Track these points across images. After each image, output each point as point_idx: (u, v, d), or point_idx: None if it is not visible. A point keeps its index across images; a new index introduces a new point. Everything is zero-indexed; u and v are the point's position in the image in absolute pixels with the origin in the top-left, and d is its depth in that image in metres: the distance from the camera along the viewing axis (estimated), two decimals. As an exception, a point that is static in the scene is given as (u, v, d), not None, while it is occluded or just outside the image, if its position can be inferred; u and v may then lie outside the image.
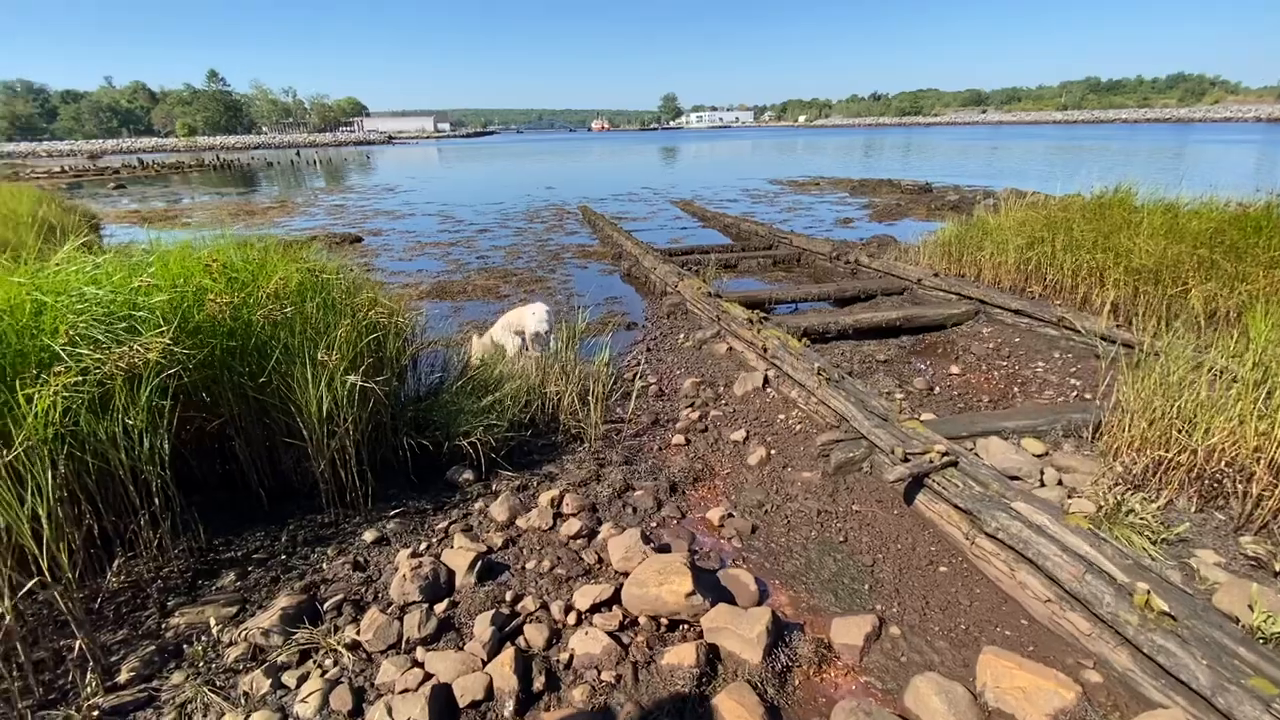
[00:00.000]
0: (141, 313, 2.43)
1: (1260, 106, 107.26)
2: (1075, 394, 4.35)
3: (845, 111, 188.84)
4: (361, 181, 28.43)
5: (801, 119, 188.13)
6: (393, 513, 2.99)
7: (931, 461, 2.77)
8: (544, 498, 3.07)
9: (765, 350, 4.62)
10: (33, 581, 1.88)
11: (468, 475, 3.29)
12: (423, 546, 2.73)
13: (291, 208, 18.98)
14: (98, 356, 2.22)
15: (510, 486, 3.23)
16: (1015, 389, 4.58)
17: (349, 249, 11.83)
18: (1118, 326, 4.74)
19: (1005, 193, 12.04)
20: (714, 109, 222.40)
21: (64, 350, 2.17)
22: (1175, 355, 2.86)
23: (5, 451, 1.91)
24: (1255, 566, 2.35)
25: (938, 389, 4.63)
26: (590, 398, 3.78)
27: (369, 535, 2.81)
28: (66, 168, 40.39)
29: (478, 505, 3.08)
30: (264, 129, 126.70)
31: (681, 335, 5.95)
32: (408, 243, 12.25)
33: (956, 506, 2.64)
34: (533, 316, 4.69)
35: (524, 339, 4.77)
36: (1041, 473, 2.96)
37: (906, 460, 2.88)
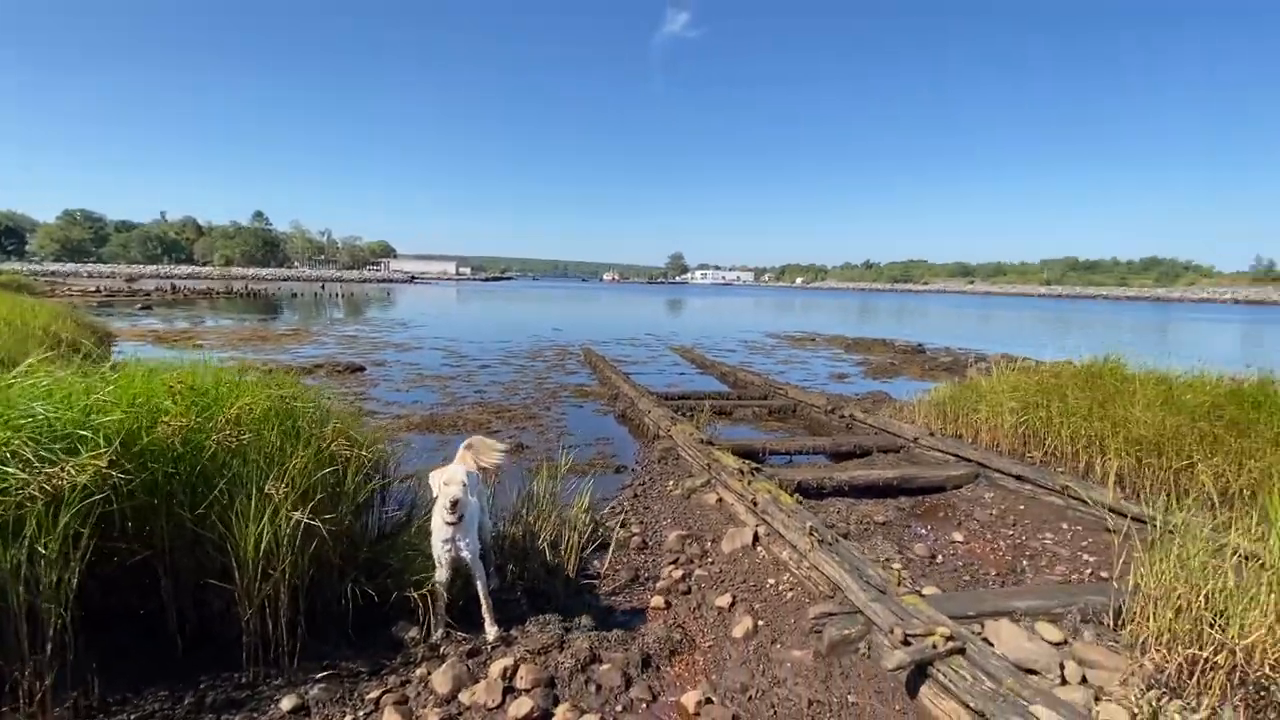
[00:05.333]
0: (86, 432, 2.29)
1: (1236, 289, 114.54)
2: (1090, 571, 4.02)
3: (840, 276, 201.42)
4: (378, 316, 29.59)
5: (799, 280, 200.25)
6: (320, 675, 2.60)
7: (935, 647, 2.45)
8: (495, 667, 2.70)
9: (755, 504, 4.37)
10: None
11: (414, 633, 2.93)
12: (345, 722, 2.33)
13: (305, 335, 19.54)
14: (23, 476, 2.05)
15: (460, 650, 2.85)
16: (1024, 561, 4.25)
17: (350, 377, 11.98)
18: (1125, 498, 4.52)
19: (997, 357, 12.32)
20: (717, 268, 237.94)
21: (-15, 468, 2.00)
22: (1193, 536, 2.64)
23: None
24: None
25: (940, 557, 4.30)
26: (563, 548, 3.49)
27: (287, 703, 2.41)
28: (101, 288, 42.59)
29: (419, 671, 2.69)
30: (296, 264, 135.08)
31: (671, 482, 5.71)
32: (408, 374, 12.38)
33: (966, 705, 2.27)
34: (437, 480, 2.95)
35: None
36: (1061, 666, 2.60)
37: (907, 643, 2.55)
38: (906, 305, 63.50)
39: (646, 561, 4.15)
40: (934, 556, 4.30)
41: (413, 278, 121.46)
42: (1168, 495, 4.27)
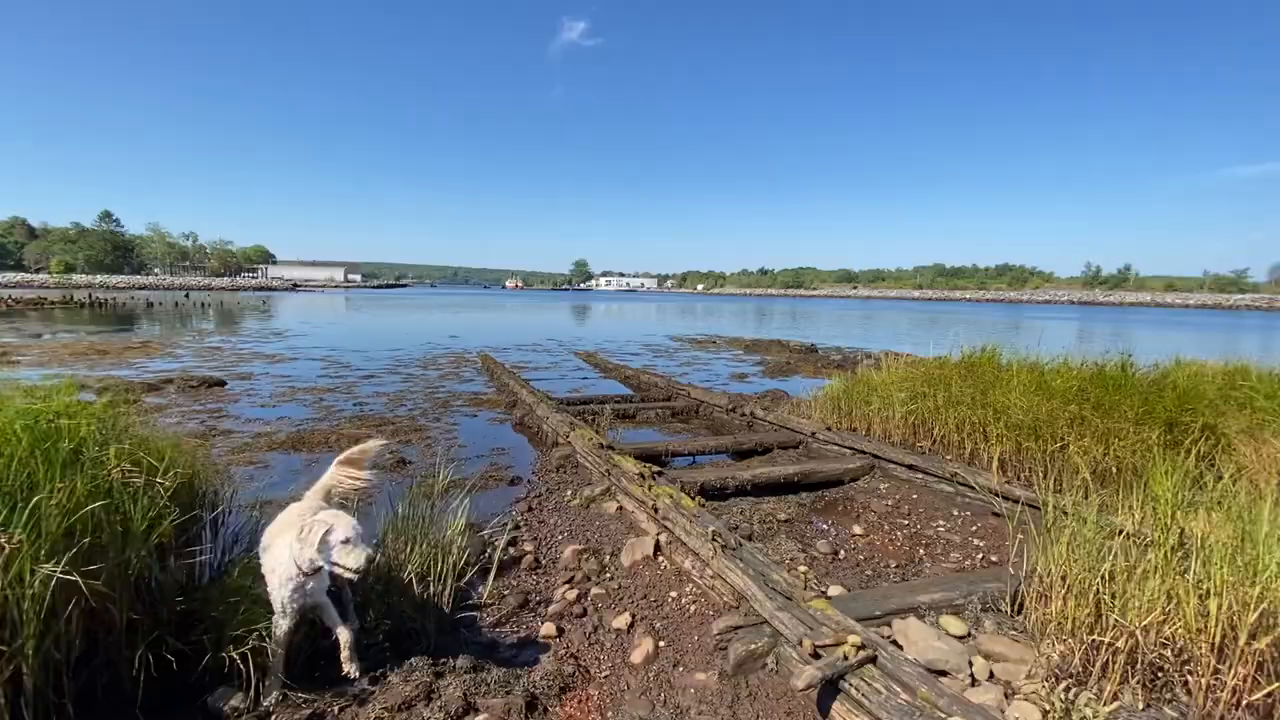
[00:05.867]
0: None
1: (1071, 292, 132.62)
2: (981, 556, 4.08)
3: (737, 282, 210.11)
4: (252, 326, 26.77)
5: (700, 287, 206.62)
6: (90, 778, 1.98)
7: (846, 659, 2.24)
8: (341, 734, 2.19)
9: (656, 510, 4.08)
10: None
11: (237, 701, 2.35)
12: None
13: (156, 348, 17.20)
14: None
15: (298, 716, 2.31)
16: (920, 550, 4.25)
17: (205, 393, 10.59)
18: (1008, 482, 4.67)
19: (882, 354, 12.95)
20: (622, 274, 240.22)
21: None
22: (1084, 519, 2.63)
23: None
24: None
25: (842, 553, 4.22)
26: (433, 578, 3.01)
27: (32, 825, 1.79)
28: (-109, 298, 35.72)
29: (238, 753, 2.13)
30: (156, 270, 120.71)
31: (570, 492, 5.31)
32: (278, 388, 11.12)
33: (882, 722, 2.07)
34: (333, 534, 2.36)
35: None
36: (970, 663, 2.49)
37: (816, 656, 2.32)
38: (799, 309, 66.85)
39: (539, 583, 3.73)
40: (837, 552, 4.21)
41: (295, 285, 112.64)
42: (1044, 477, 4.44)
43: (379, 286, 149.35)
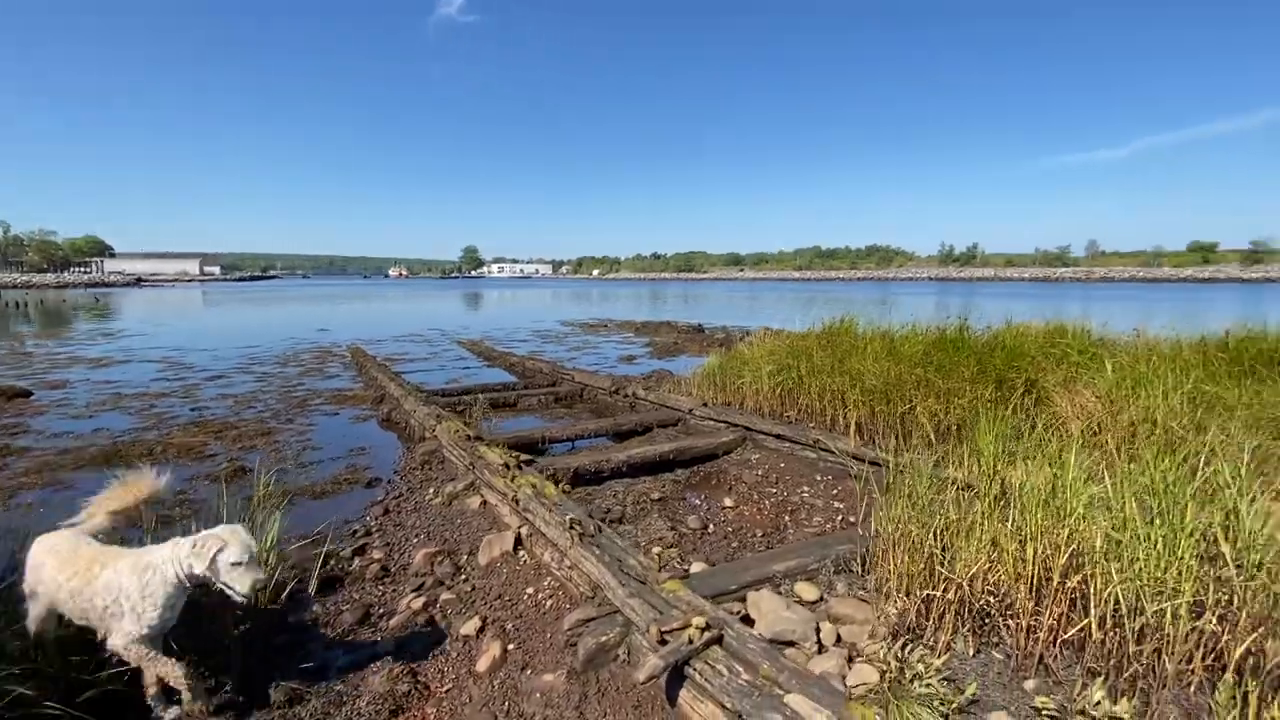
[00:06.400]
0: None
1: (930, 269, 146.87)
2: (840, 518, 4.21)
3: (632, 267, 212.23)
4: (82, 328, 23.08)
5: (595, 272, 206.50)
6: None
7: (691, 642, 2.13)
8: (86, 814, 1.77)
9: (518, 502, 3.83)
10: None
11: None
12: None
13: (-61, 357, 14.37)
14: None
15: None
16: (786, 518, 4.33)
17: (3, 406, 8.93)
18: (864, 445, 4.88)
19: (760, 330, 13.42)
20: (515, 261, 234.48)
21: None
22: (920, 475, 2.70)
23: None
24: (1049, 723, 1.99)
25: (712, 526, 4.20)
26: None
27: None
28: None
29: None
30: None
31: (432, 490, 4.93)
32: (99, 395, 9.62)
33: (723, 706, 1.98)
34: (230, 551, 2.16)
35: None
36: (818, 630, 2.48)
37: (663, 642, 2.20)
38: (690, 291, 68.40)
39: (385, 593, 3.37)
40: (706, 527, 4.18)
41: (139, 280, 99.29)
42: (896, 437, 4.67)
43: (242, 279, 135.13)
